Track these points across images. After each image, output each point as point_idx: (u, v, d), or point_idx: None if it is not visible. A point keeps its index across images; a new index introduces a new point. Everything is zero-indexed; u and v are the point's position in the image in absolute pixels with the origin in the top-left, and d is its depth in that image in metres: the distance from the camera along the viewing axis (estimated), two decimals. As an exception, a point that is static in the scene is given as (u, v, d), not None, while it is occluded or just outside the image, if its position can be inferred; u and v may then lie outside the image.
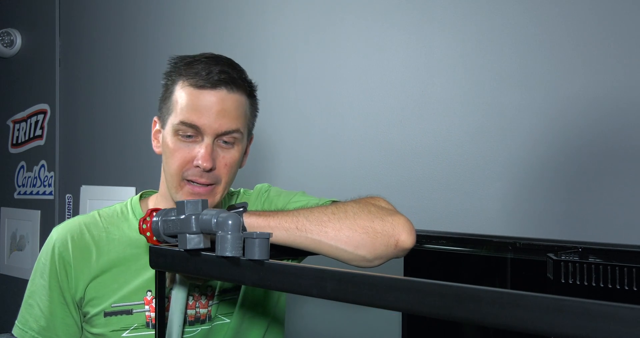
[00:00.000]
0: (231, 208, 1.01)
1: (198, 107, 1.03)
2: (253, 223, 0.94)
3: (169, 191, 1.09)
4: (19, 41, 2.87)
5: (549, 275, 0.84)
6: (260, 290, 1.20)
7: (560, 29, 1.34)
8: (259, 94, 1.14)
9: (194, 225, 0.83)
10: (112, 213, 1.18)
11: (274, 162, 1.86)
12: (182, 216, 0.85)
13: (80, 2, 2.59)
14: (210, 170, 1.04)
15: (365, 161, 1.66)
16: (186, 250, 0.84)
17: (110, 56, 2.44)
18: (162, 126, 1.10)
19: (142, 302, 1.12)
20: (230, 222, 0.78)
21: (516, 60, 1.40)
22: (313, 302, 1.75)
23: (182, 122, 1.03)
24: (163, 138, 1.09)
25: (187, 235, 0.83)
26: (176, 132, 1.05)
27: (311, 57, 1.79)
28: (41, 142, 2.75)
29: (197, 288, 1.14)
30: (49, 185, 2.69)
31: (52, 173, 2.68)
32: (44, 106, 2.74)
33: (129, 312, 1.12)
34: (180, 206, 0.87)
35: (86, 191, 2.50)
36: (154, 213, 0.95)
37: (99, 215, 1.18)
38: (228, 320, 1.16)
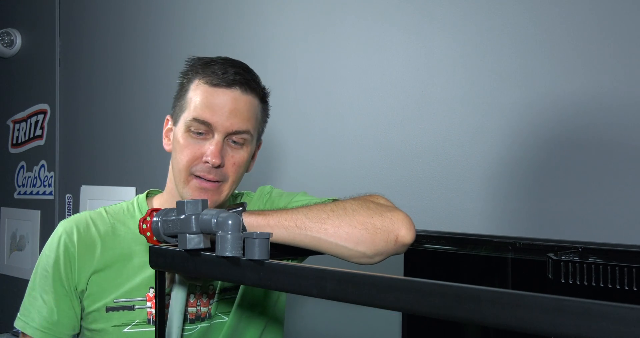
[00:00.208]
0: (230, 207, 1.01)
1: (212, 104, 1.05)
2: (252, 222, 0.94)
3: (176, 187, 1.10)
4: (19, 41, 2.87)
5: (549, 275, 0.84)
6: (259, 290, 1.20)
7: (560, 29, 1.34)
8: (261, 94, 1.15)
9: (194, 225, 0.83)
10: (119, 209, 1.20)
11: (274, 162, 1.86)
12: (182, 216, 0.85)
13: (80, 2, 2.59)
14: (219, 167, 1.06)
15: (365, 161, 1.65)
16: (186, 250, 0.84)
17: (110, 56, 2.44)
18: (175, 123, 1.12)
19: (145, 298, 1.13)
20: (230, 222, 0.78)
21: (516, 60, 1.40)
22: (313, 302, 1.75)
23: (195, 119, 1.06)
24: (174, 134, 1.11)
25: (187, 235, 0.84)
26: (188, 128, 1.07)
27: (311, 57, 1.79)
28: (41, 142, 2.75)
29: (199, 286, 1.15)
30: (49, 185, 2.69)
31: (52, 173, 2.68)
32: (44, 106, 2.74)
33: (131, 308, 1.12)
34: (180, 206, 0.87)
35: (86, 191, 2.50)
36: (154, 213, 0.95)
37: (106, 211, 1.19)
38: (226, 318, 1.17)
